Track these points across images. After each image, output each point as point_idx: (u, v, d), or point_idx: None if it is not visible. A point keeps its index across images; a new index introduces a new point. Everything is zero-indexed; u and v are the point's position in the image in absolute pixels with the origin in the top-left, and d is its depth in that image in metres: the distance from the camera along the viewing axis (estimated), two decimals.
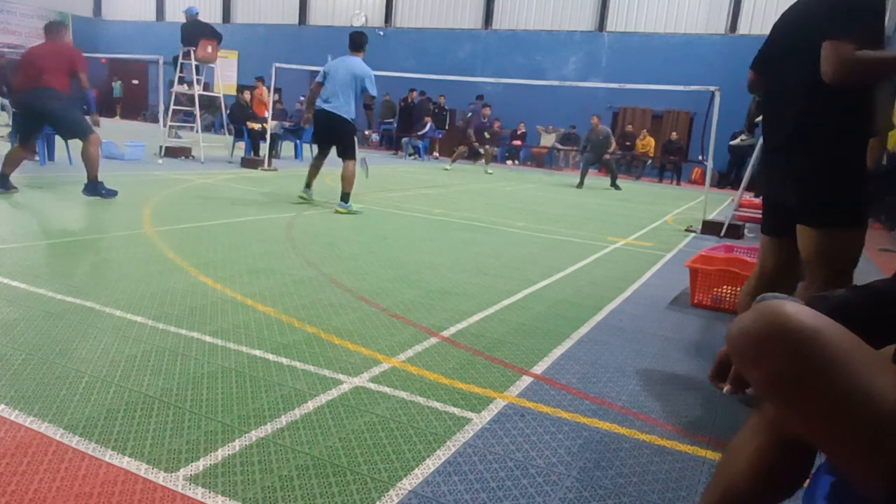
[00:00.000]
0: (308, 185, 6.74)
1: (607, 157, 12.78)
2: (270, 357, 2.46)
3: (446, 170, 13.53)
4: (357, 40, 6.45)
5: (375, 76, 6.35)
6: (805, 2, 2.19)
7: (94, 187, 5.82)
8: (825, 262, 2.13)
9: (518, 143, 17.94)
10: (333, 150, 6.46)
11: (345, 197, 6.31)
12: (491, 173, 13.56)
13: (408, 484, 1.68)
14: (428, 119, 17.14)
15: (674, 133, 16.35)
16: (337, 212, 6.24)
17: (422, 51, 19.42)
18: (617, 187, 12.21)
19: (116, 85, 23.92)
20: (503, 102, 17.41)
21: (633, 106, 17.32)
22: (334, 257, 4.32)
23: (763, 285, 2.38)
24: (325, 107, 6.21)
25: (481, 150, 14.30)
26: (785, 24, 2.28)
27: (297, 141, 12.69)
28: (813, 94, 2.07)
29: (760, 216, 2.52)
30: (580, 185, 12.19)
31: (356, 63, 6.26)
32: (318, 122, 6.36)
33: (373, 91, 6.28)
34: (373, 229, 5.65)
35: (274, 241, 4.67)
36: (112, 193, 5.90)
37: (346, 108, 6.16)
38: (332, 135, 6.34)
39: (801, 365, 0.90)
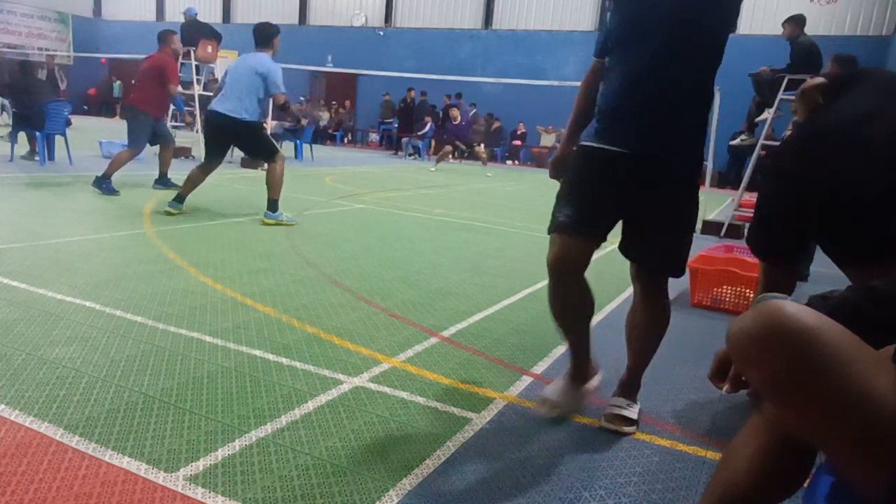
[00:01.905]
0: (179, 199, 5.48)
1: None
2: (270, 357, 2.46)
3: (431, 171, 12.94)
4: (262, 33, 5.42)
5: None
6: None
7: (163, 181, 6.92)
8: None
9: (518, 143, 17.94)
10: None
11: (271, 205, 5.36)
12: (489, 175, 13.13)
13: (408, 484, 1.67)
14: (428, 119, 17.14)
15: None
16: (264, 223, 5.32)
17: (422, 51, 19.41)
18: None
19: (116, 85, 23.93)
20: (503, 102, 17.42)
21: None
22: (334, 257, 4.32)
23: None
24: (215, 107, 5.30)
25: (479, 151, 14.09)
26: None
27: (297, 141, 12.69)
28: None
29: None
30: None
31: (258, 60, 5.30)
32: (206, 123, 5.53)
33: (277, 89, 5.31)
34: (373, 229, 5.64)
35: (274, 241, 4.67)
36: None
37: (239, 108, 5.20)
38: (224, 139, 5.51)
39: (801, 365, 0.90)
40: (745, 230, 7.79)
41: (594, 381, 2.27)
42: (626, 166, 1.95)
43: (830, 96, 2.13)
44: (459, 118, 14.18)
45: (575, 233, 2.00)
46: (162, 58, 6.58)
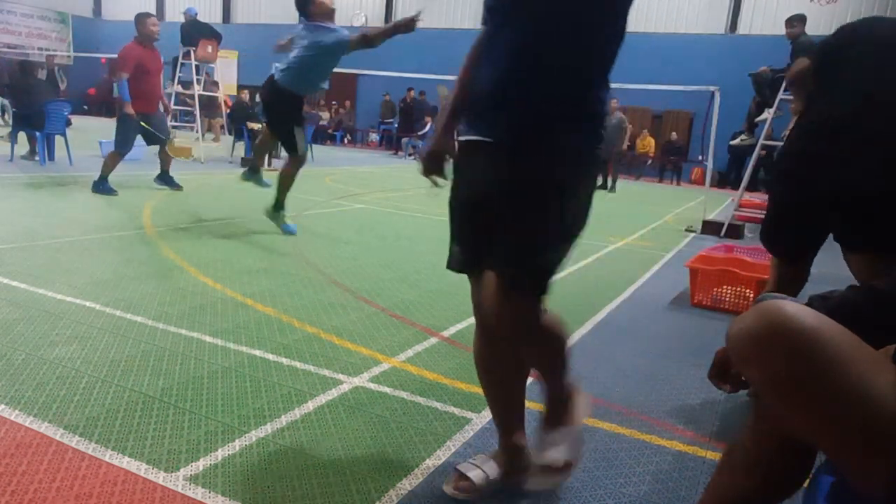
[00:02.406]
0: (254, 168, 5.42)
1: (615, 149, 11.57)
2: (270, 357, 2.46)
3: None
4: (297, 3, 5.22)
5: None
6: None
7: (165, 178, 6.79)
8: None
9: None
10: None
11: (276, 204, 4.98)
12: None
13: (408, 484, 1.68)
14: (428, 119, 17.14)
15: (674, 133, 16.36)
16: (265, 215, 5.04)
17: (422, 51, 19.42)
18: (612, 190, 11.57)
19: (116, 85, 23.96)
20: None
21: (633, 106, 17.31)
22: (334, 257, 4.32)
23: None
24: (274, 73, 4.88)
25: None
26: None
27: None
28: None
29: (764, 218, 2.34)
30: (601, 186, 11.47)
31: (320, 37, 5.04)
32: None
33: (347, 39, 5.16)
34: (373, 229, 5.64)
35: (274, 241, 4.67)
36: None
37: (287, 77, 4.79)
38: (269, 110, 5.04)
39: (801, 365, 0.90)
40: (745, 230, 7.73)
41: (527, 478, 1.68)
42: (494, 158, 1.50)
43: (822, 77, 2.11)
44: None
45: (475, 268, 1.62)
46: (122, 48, 6.27)
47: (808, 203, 2.08)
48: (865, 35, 2.06)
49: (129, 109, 6.14)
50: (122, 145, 6.30)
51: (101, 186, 6.13)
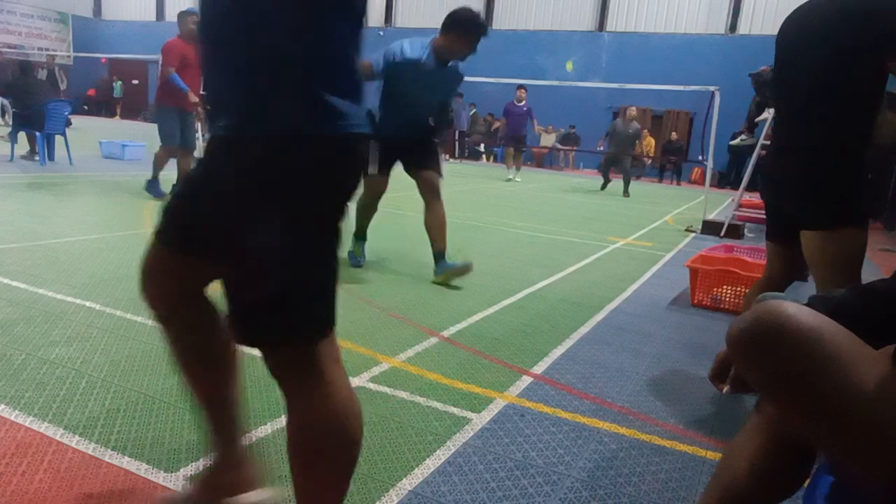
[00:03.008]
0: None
1: (627, 157, 11.49)
2: None
3: (512, 180, 12.16)
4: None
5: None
6: (820, 5, 2.07)
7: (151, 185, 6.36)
8: (831, 267, 2.07)
9: None
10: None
11: (436, 256, 3.92)
12: (518, 180, 12.19)
13: (408, 484, 1.67)
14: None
15: (674, 133, 16.38)
16: (434, 282, 3.86)
17: None
18: (626, 194, 11.04)
19: (116, 85, 23.95)
20: (503, 102, 17.43)
21: (633, 106, 17.33)
22: None
23: (772, 289, 2.38)
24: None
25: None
26: (799, 26, 2.15)
27: None
28: (825, 99, 2.04)
29: (763, 218, 2.57)
30: (604, 186, 11.35)
31: None
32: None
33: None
34: (372, 229, 5.64)
35: None
36: (161, 194, 6.22)
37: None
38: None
39: (801, 365, 0.91)
40: (745, 230, 7.77)
41: (251, 498, 1.47)
42: None
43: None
44: (524, 101, 12.19)
45: None
46: (165, 43, 6.21)
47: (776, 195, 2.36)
48: (780, 40, 2.26)
49: (194, 98, 5.99)
50: (165, 140, 6.18)
51: (153, 187, 6.14)
